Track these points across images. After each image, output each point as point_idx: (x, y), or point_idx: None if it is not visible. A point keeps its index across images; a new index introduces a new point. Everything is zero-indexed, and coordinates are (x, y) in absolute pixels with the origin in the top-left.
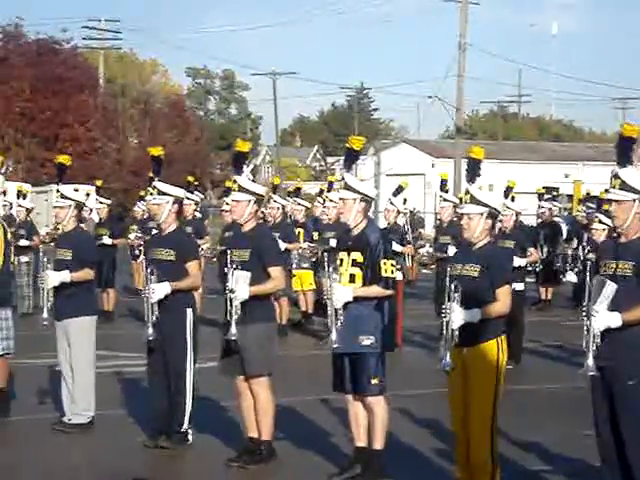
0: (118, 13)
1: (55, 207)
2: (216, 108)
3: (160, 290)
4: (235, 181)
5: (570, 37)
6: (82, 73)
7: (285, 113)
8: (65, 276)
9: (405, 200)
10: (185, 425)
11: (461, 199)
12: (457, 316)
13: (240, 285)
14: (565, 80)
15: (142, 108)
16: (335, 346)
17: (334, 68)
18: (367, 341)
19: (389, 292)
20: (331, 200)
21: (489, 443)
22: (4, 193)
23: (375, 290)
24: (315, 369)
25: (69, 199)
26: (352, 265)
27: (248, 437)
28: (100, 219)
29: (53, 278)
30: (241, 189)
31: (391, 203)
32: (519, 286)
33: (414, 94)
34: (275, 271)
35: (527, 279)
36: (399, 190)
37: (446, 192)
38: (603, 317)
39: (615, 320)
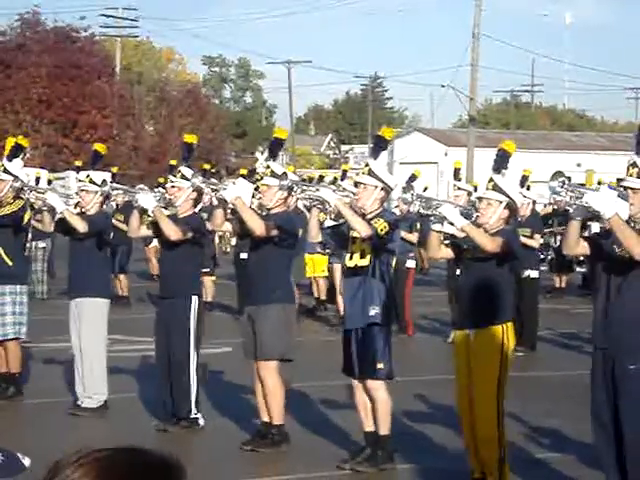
0: (135, 1)
1: (82, 190)
2: (231, 96)
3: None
4: (269, 166)
5: (583, 27)
6: (99, 61)
7: (300, 101)
8: (62, 204)
9: (426, 189)
10: (193, 410)
11: (476, 187)
12: (450, 207)
13: (236, 187)
14: (578, 70)
15: (158, 96)
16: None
17: (349, 57)
18: (373, 311)
19: (368, 229)
20: (344, 189)
21: (495, 428)
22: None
23: (358, 218)
24: (327, 355)
25: (97, 185)
26: (363, 241)
27: (261, 421)
28: (117, 205)
29: (53, 196)
30: (274, 175)
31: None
32: (534, 274)
33: (428, 83)
34: (272, 228)
35: (541, 267)
36: (412, 179)
37: (459, 181)
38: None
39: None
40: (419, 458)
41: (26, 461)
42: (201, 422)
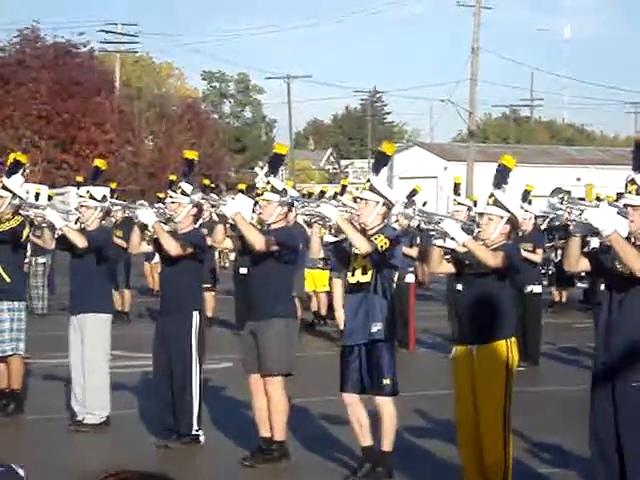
0: (135, 17)
1: (82, 206)
2: (231, 111)
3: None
4: (269, 182)
5: (582, 41)
6: (99, 76)
7: (299, 116)
8: (61, 220)
9: (425, 203)
10: (195, 427)
11: (475, 202)
12: (451, 222)
13: (236, 203)
14: (577, 84)
15: (158, 111)
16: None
17: (348, 72)
18: (375, 327)
19: (368, 245)
20: (344, 204)
21: (502, 445)
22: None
23: (359, 235)
24: (328, 370)
25: (97, 201)
26: (364, 257)
27: (261, 437)
28: (116, 221)
29: (52, 213)
30: (274, 190)
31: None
32: (537, 288)
33: (427, 98)
34: (272, 243)
35: (543, 282)
36: (413, 194)
37: (459, 196)
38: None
39: (618, 222)
40: (419, 473)
41: (21, 472)
42: (202, 439)
